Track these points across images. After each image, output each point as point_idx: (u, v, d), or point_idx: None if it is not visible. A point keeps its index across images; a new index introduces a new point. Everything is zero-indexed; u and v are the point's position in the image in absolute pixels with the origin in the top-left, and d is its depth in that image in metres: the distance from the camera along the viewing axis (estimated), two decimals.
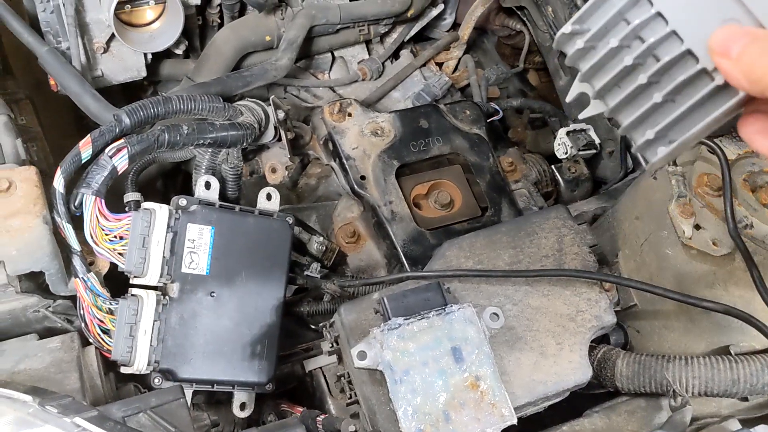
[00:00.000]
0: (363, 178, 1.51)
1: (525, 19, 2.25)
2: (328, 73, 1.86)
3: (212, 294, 1.17)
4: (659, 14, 0.57)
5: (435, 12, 1.93)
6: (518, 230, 1.17)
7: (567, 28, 0.62)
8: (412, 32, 1.92)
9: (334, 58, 1.84)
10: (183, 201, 1.17)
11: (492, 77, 2.04)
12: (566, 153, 1.83)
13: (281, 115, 1.40)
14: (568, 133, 1.85)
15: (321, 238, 1.43)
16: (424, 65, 1.95)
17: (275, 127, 1.40)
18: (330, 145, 1.57)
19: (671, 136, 0.59)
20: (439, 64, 2.06)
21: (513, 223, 1.18)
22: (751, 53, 0.48)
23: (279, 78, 1.52)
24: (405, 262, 1.41)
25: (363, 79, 1.84)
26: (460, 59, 2.08)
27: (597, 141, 1.87)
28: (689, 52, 0.56)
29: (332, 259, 1.45)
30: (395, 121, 1.59)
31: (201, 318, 1.16)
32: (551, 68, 2.13)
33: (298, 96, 1.80)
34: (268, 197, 1.28)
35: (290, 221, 1.26)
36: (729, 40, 0.50)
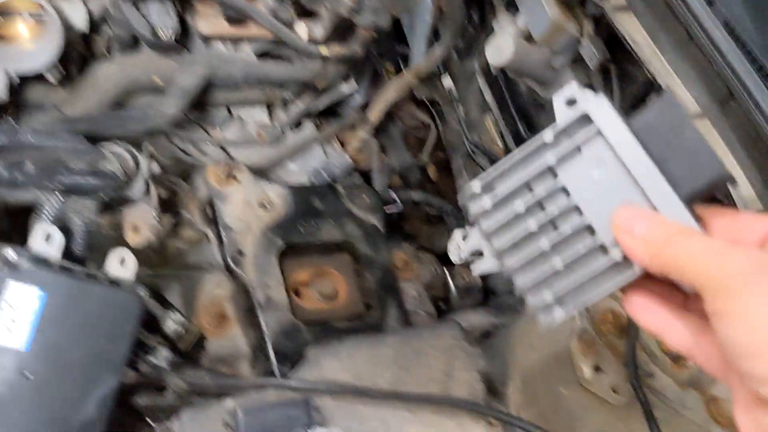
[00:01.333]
0: (241, 253, 1.34)
1: (434, 112, 2.20)
2: (220, 130, 1.69)
3: (26, 375, 0.94)
4: (564, 189, 0.60)
5: (346, 89, 1.83)
6: (406, 345, 1.04)
7: (475, 187, 0.66)
8: (320, 104, 1.80)
9: (230, 114, 1.68)
10: (10, 253, 0.95)
11: (395, 165, 1.94)
12: (460, 257, 1.73)
13: (155, 168, 1.22)
14: (463, 237, 1.76)
15: (180, 317, 1.23)
16: (326, 140, 1.82)
17: (146, 181, 1.21)
18: (209, 211, 1.39)
19: (567, 301, 0.60)
20: (342, 144, 1.94)
21: (402, 336, 1.05)
22: (653, 232, 0.53)
23: (162, 128, 1.34)
24: (273, 358, 1.23)
25: (259, 143, 1.68)
26: (364, 141, 1.98)
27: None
28: (589, 227, 0.59)
29: (190, 344, 1.24)
30: (287, 196, 1.44)
31: (5, 405, 0.92)
32: (454, 167, 2.07)
33: (181, 148, 1.62)
34: (122, 262, 1.08)
35: (142, 295, 1.06)
36: (633, 219, 0.55)
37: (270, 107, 1.72)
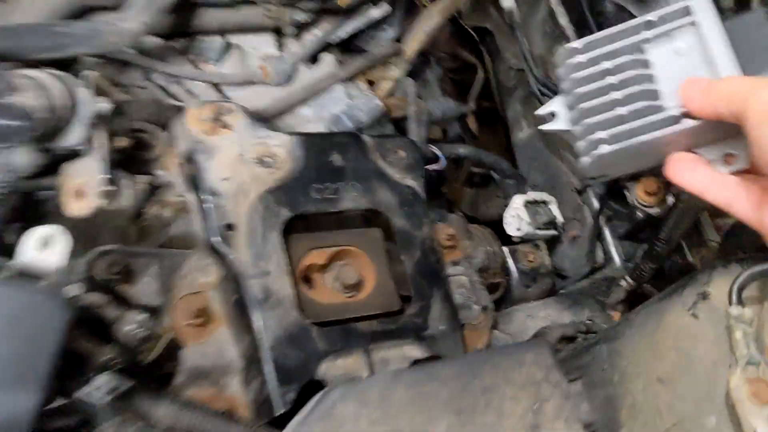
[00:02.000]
0: (231, 227, 0.97)
1: (485, 49, 1.79)
2: (215, 65, 1.31)
3: None
4: (647, 61, 0.72)
5: (376, 13, 1.43)
6: (470, 377, 0.66)
7: (575, 44, 0.77)
8: (342, 33, 1.41)
9: (228, 45, 1.29)
10: None
11: (437, 112, 1.55)
12: (519, 230, 1.36)
13: (103, 107, 0.84)
14: (526, 204, 1.38)
15: (142, 317, 0.87)
16: (350, 79, 1.43)
17: (88, 126, 0.84)
18: (189, 169, 1.02)
19: (616, 140, 0.71)
20: (371, 83, 1.55)
21: (462, 364, 0.67)
22: (711, 83, 0.65)
23: (119, 47, 0.96)
24: (271, 378, 0.87)
25: (264, 82, 1.30)
26: (398, 81, 1.59)
27: (560, 220, 1.41)
28: (656, 92, 0.70)
29: (154, 353, 0.89)
30: (295, 147, 1.06)
31: None
32: (510, 115, 1.67)
33: (165, 89, 1.25)
34: (44, 244, 0.72)
35: (70, 298, 0.70)
36: (700, 80, 0.66)
37: (278, 34, 1.33)
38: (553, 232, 1.40)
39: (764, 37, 0.67)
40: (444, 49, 1.94)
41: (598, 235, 1.38)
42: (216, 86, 1.28)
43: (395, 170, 1.12)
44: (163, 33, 1.20)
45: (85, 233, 0.98)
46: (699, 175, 0.67)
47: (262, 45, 1.33)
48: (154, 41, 1.20)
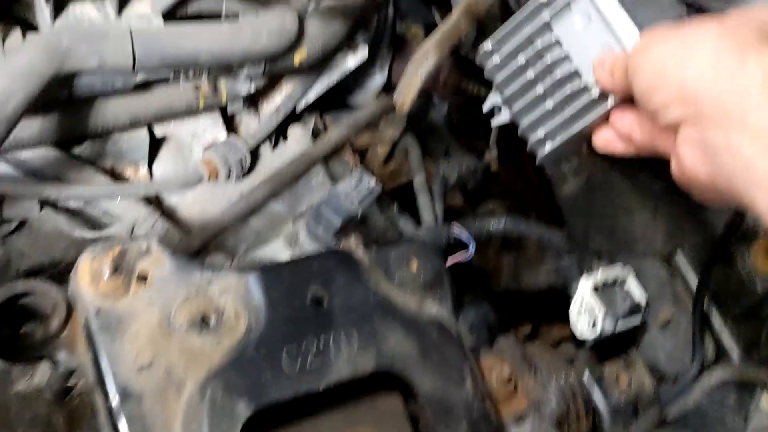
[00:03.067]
0: None
1: None
2: (142, 167, 0.96)
3: None
4: (558, 41, 0.71)
5: (352, 62, 1.07)
6: None
7: (487, 46, 0.75)
8: (312, 94, 1.05)
9: (153, 138, 0.94)
10: None
11: (452, 175, 1.18)
12: (594, 327, 0.98)
13: None
14: (595, 288, 1.00)
15: None
16: (332, 155, 1.07)
17: None
18: (88, 356, 0.65)
19: (555, 135, 0.73)
20: (361, 152, 1.19)
21: None
22: (617, 61, 0.63)
23: None
24: None
25: (211, 180, 0.94)
26: (396, 143, 1.22)
27: (643, 300, 1.02)
28: (576, 72, 0.70)
29: None
30: (252, 290, 0.69)
31: None
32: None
33: (71, 210, 0.89)
34: None
35: None
36: (606, 57, 0.65)
37: (224, 113, 0.97)
38: (638, 319, 1.02)
39: None
40: (448, 83, 1.59)
41: (703, 318, 0.99)
42: (148, 201, 0.92)
43: (409, 295, 0.75)
44: (58, 140, 0.85)
45: None
46: (618, 146, 0.68)
47: (204, 130, 0.97)
48: (44, 154, 0.84)
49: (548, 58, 0.72)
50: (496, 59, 0.76)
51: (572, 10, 0.71)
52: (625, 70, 0.62)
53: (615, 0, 0.68)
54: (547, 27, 0.72)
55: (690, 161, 0.55)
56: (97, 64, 0.71)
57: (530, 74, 0.73)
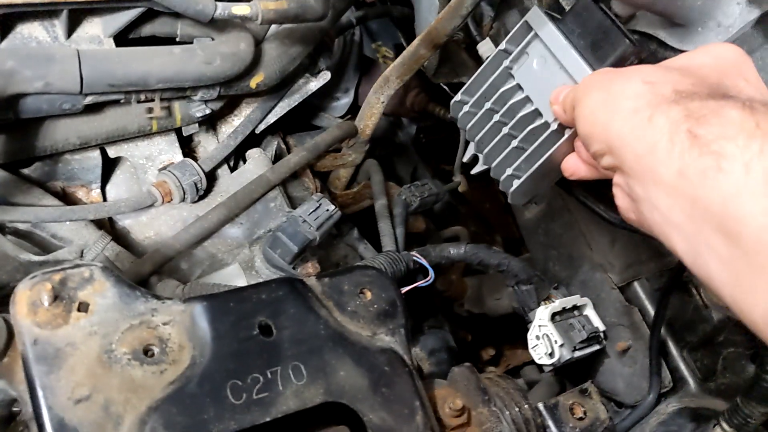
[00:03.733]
0: None
1: None
2: (94, 190, 0.94)
3: None
4: (519, 86, 0.78)
5: (313, 85, 1.06)
6: None
7: (457, 97, 0.84)
8: (272, 117, 1.04)
9: (105, 157, 0.92)
10: None
11: (415, 201, 1.17)
12: (551, 355, 0.98)
13: None
14: (553, 316, 1.00)
15: None
16: (292, 179, 1.06)
17: None
18: (24, 391, 0.63)
19: (523, 171, 0.78)
20: (322, 174, 1.18)
21: None
22: (567, 96, 0.67)
23: None
24: None
25: (165, 202, 0.93)
26: (358, 167, 1.22)
27: (600, 328, 1.03)
28: (537, 111, 0.77)
29: None
30: (197, 320, 0.67)
31: None
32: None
33: (20, 233, 0.87)
34: None
35: None
36: (560, 93, 0.69)
37: (179, 136, 0.96)
38: (596, 347, 1.02)
39: (597, 20, 0.71)
40: (415, 107, 1.59)
41: (660, 347, 0.99)
42: (97, 224, 0.90)
43: (361, 325, 0.74)
44: (4, 161, 0.82)
45: None
46: (581, 171, 0.70)
47: (160, 151, 0.95)
48: None
49: (511, 102, 0.78)
50: (465, 108, 0.83)
51: (529, 55, 0.76)
52: (568, 107, 0.66)
53: (566, 42, 0.72)
54: (508, 73, 0.78)
55: (621, 205, 0.59)
56: (43, 86, 0.69)
57: (496, 118, 0.80)
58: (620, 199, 0.59)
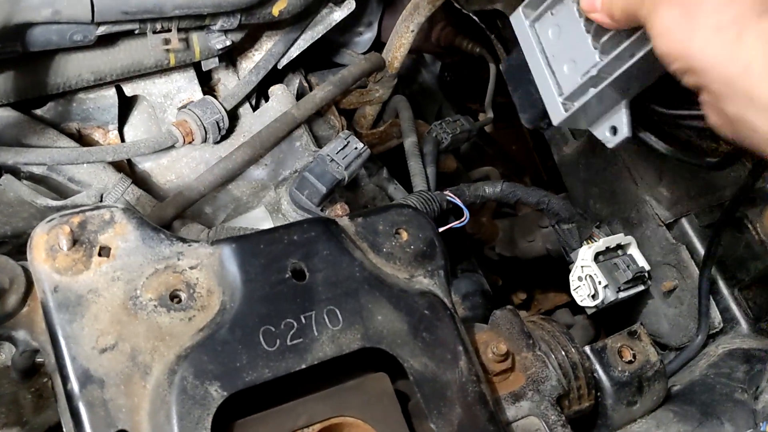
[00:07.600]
0: None
1: (494, 37, 1.35)
2: (112, 130, 0.89)
3: None
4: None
5: (338, 15, 0.99)
6: None
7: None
8: (295, 50, 0.98)
9: (122, 97, 0.87)
10: None
11: (446, 138, 1.11)
12: (595, 297, 0.93)
13: None
14: (596, 256, 0.95)
15: None
16: (317, 116, 1.00)
17: None
18: (44, 338, 0.60)
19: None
20: (348, 112, 1.12)
21: None
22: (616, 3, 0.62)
23: None
24: None
25: (186, 143, 0.88)
26: (385, 104, 1.16)
27: (645, 267, 0.97)
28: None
29: None
30: (227, 264, 0.63)
31: None
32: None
33: (36, 177, 0.83)
34: None
35: None
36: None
37: (197, 70, 0.90)
38: (641, 288, 0.97)
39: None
40: (441, 42, 1.51)
41: (710, 286, 0.94)
42: (114, 166, 0.85)
43: (398, 267, 0.69)
44: (15, 100, 0.78)
45: None
46: None
47: (178, 89, 0.90)
48: (0, 115, 0.77)
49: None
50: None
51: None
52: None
53: None
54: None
55: (714, 123, 0.56)
56: (51, 14, 0.64)
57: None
58: (713, 117, 0.55)
